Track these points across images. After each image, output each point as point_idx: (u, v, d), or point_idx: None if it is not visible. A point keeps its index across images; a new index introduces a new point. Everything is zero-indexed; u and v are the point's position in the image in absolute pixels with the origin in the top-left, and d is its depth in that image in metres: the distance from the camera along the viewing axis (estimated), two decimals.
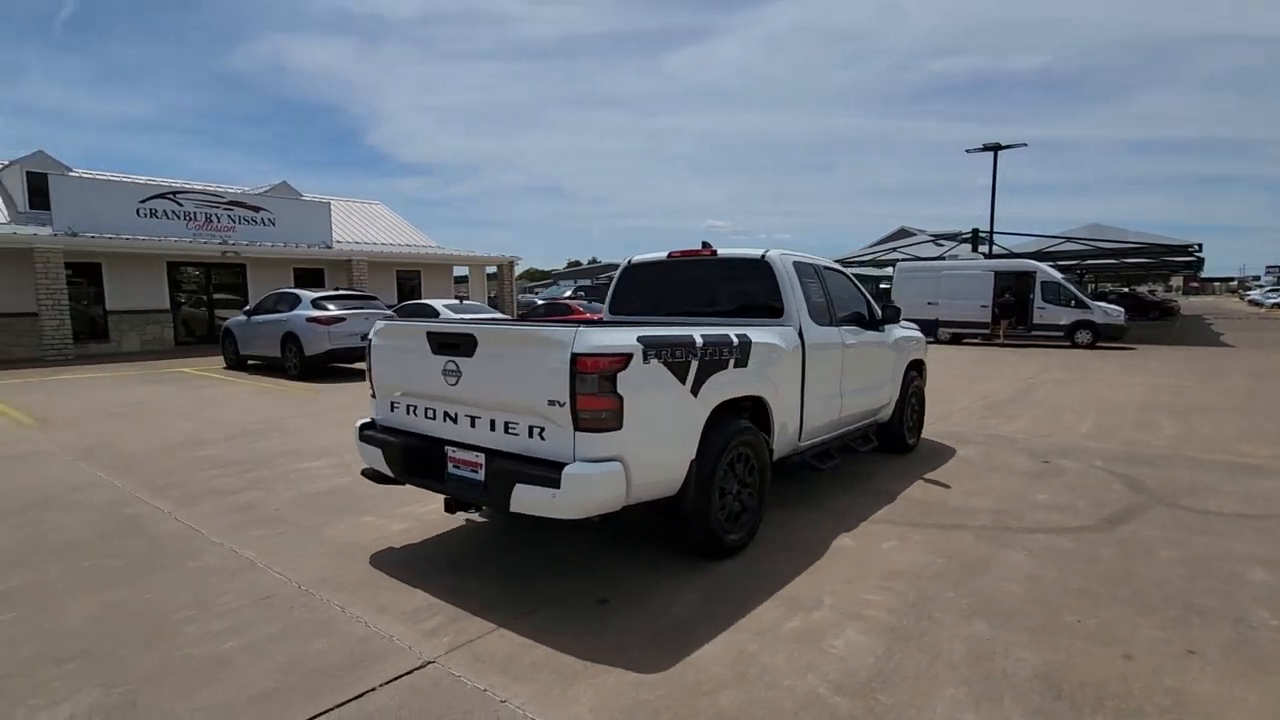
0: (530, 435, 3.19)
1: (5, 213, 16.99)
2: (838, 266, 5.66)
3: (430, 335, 3.54)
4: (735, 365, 3.75)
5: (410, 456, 3.62)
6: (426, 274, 23.63)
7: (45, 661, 2.78)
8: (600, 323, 3.93)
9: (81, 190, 16.13)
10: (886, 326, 5.89)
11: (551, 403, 3.05)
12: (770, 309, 4.66)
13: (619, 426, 3.04)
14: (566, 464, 2.99)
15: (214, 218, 17.80)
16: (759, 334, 4.06)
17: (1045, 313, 19.43)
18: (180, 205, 17.21)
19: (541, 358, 3.07)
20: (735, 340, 3.78)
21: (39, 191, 16.64)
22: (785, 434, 4.39)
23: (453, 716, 2.40)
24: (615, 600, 3.34)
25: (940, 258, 24.20)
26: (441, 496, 3.76)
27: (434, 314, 14.16)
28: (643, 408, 3.15)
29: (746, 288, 4.82)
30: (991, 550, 3.95)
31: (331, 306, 12.80)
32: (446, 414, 3.55)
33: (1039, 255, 23.57)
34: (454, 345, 3.43)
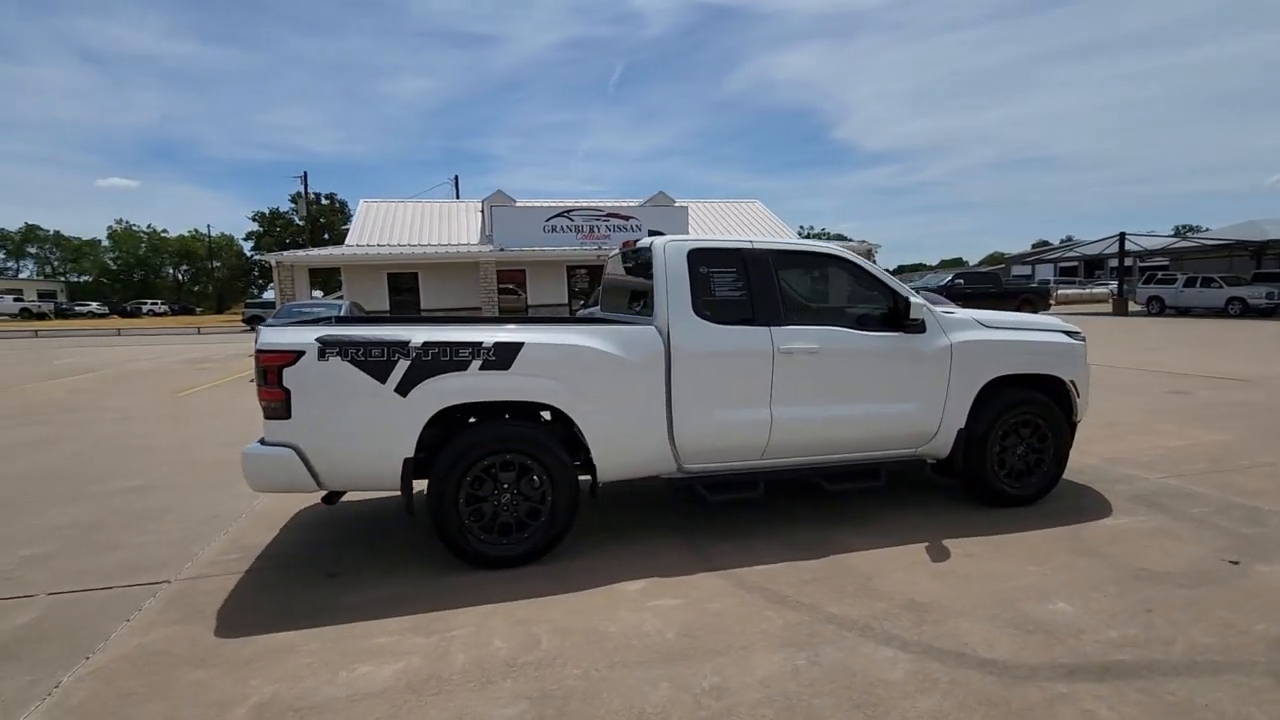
0: None
1: (478, 235, 24.05)
2: (828, 250, 4.37)
3: None
4: (485, 368, 3.54)
5: None
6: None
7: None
8: (349, 320, 4.05)
9: (509, 215, 21.77)
10: (932, 326, 4.28)
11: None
12: (650, 305, 4.04)
13: (288, 416, 3.37)
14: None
15: (595, 228, 21.81)
16: (551, 335, 3.68)
17: None
18: (571, 220, 21.65)
19: None
20: (490, 341, 3.55)
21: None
22: (629, 453, 3.82)
23: (77, 615, 3.22)
24: (341, 577, 3.64)
25: None
26: None
27: None
28: (319, 402, 3.38)
29: (640, 280, 4.25)
30: (739, 646, 2.82)
31: None
32: None
33: None
34: None
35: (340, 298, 23.32)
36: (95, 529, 4.48)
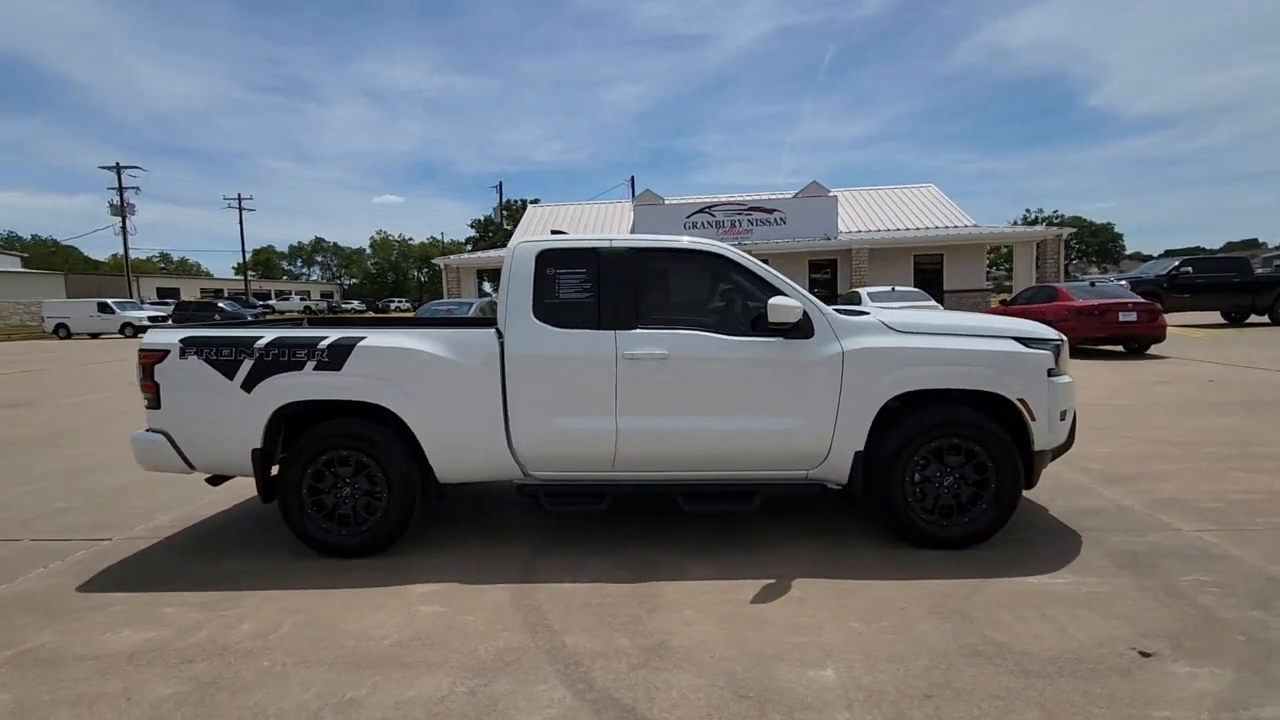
0: None
1: (626, 234, 24.71)
2: (700, 246, 3.94)
3: None
4: (319, 369, 3.74)
5: None
6: (951, 256, 21.55)
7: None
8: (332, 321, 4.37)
9: (651, 213, 22.07)
10: (821, 330, 3.71)
11: None
12: None
13: (159, 407, 3.86)
14: None
15: (737, 223, 21.30)
16: (385, 338, 3.78)
17: None
18: (713, 216, 21.37)
19: None
20: (325, 343, 3.75)
21: None
22: (465, 457, 3.82)
23: (19, 560, 3.98)
24: (214, 550, 4.10)
25: None
26: None
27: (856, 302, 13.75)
28: (181, 395, 3.83)
29: None
30: (429, 664, 2.70)
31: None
32: None
33: None
34: None
35: (486, 296, 25.41)
36: (120, 492, 5.46)
